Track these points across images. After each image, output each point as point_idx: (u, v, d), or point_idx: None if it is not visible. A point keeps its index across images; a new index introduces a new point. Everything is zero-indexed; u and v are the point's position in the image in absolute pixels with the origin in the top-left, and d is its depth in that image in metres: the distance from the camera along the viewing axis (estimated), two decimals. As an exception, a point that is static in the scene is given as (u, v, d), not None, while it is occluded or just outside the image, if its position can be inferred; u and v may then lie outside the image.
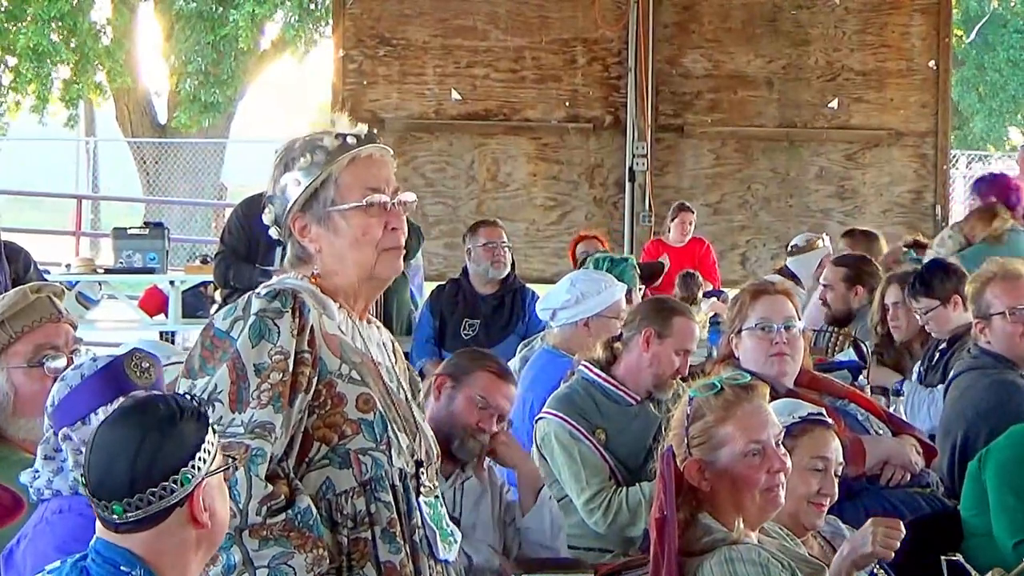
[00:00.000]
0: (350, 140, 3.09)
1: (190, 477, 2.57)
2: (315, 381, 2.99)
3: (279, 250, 3.40)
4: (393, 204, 3.09)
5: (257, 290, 3.04)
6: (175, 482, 2.56)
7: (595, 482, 5.02)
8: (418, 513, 3.08)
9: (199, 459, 2.58)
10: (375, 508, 3.01)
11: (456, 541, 3.18)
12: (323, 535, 2.94)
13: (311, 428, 3.00)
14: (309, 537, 2.90)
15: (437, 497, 3.16)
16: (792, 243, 9.60)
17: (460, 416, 4.52)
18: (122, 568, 2.58)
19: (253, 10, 22.35)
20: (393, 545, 3.02)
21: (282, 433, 2.93)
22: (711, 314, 9.08)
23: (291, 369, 2.95)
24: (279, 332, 2.95)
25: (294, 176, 3.08)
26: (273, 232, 3.16)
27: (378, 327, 3.23)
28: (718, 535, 3.37)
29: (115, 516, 2.57)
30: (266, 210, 3.15)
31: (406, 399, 3.16)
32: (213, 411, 2.88)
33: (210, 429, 2.63)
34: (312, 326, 3.00)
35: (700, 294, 10.00)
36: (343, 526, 3.00)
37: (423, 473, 3.11)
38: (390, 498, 3.03)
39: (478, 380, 4.56)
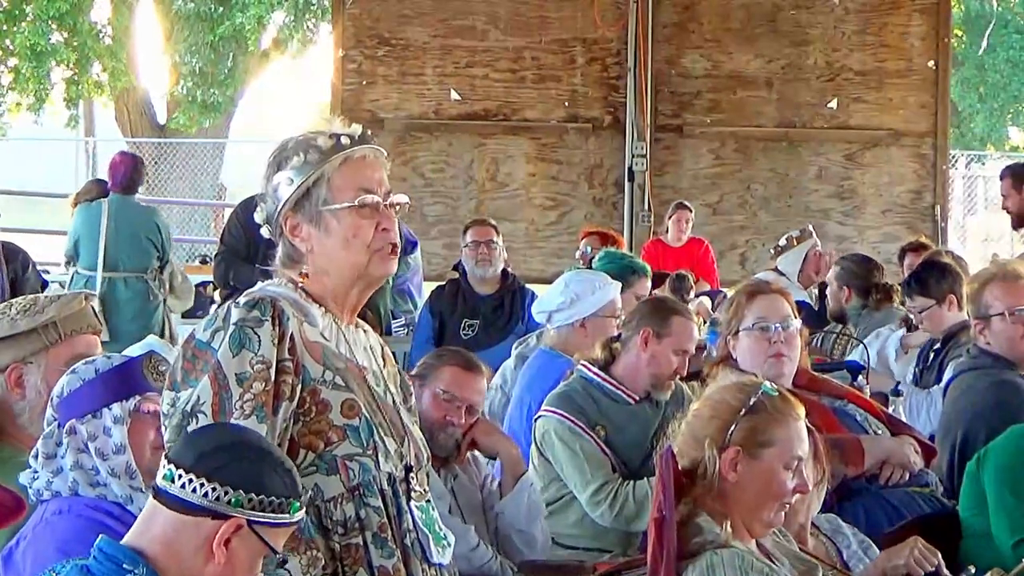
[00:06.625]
0: (344, 140, 3.08)
1: (239, 502, 2.56)
2: (299, 389, 2.97)
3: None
4: (385, 205, 3.08)
5: (236, 299, 3.03)
6: (225, 493, 2.55)
7: (600, 475, 5.03)
8: (409, 517, 3.07)
9: (258, 501, 2.57)
10: (364, 513, 3.00)
11: (450, 545, 3.16)
12: (315, 538, 2.94)
13: (297, 436, 2.98)
14: (301, 540, 2.90)
15: (429, 501, 3.14)
16: (778, 243, 9.62)
17: (427, 412, 4.55)
18: (124, 566, 2.58)
19: (257, 11, 22.32)
20: (385, 550, 3.01)
21: None
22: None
23: (273, 378, 2.93)
24: (260, 341, 2.93)
25: (287, 175, 3.07)
26: (264, 231, 3.15)
27: (365, 331, 3.21)
28: (708, 536, 3.35)
29: (163, 479, 2.58)
30: (257, 209, 3.14)
31: (394, 403, 3.14)
32: (196, 423, 2.86)
33: (293, 506, 2.61)
34: (292, 334, 2.98)
35: (691, 295, 9.86)
36: (334, 532, 2.98)
37: (413, 477, 3.10)
38: (379, 503, 3.02)
39: (442, 376, 4.63)
